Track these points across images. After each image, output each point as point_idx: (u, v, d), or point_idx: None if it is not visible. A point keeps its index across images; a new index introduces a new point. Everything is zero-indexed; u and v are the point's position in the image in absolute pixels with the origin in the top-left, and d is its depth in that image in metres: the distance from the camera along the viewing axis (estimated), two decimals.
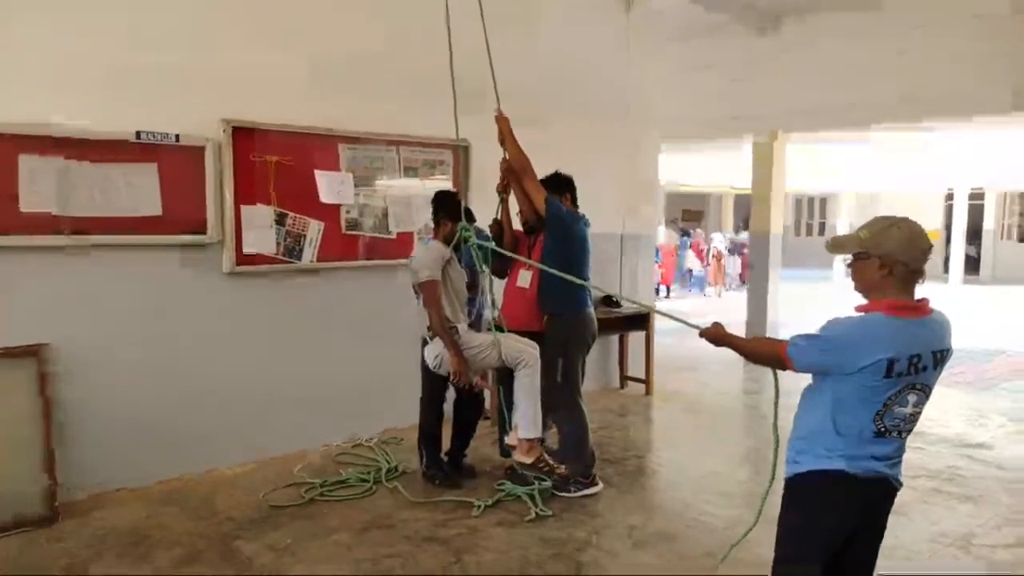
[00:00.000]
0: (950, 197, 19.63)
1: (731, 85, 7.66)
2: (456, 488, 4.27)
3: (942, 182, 18.40)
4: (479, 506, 4.02)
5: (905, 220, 2.15)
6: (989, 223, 20.07)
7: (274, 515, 3.96)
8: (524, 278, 4.34)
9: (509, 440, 4.17)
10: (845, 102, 7.28)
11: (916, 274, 2.10)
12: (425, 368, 4.32)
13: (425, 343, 4.16)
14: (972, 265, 19.64)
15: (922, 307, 2.11)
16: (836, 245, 2.25)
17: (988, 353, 9.07)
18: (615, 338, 6.89)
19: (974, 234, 19.69)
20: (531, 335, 4.20)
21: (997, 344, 9.69)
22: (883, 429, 2.09)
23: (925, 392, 2.11)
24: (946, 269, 18.93)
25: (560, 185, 4.31)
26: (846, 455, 2.11)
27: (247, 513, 3.98)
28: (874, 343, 2.03)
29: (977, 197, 19.35)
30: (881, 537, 2.30)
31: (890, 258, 2.07)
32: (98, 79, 3.98)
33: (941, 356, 2.11)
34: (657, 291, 15.04)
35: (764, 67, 7.33)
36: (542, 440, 4.09)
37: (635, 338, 6.83)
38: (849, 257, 2.19)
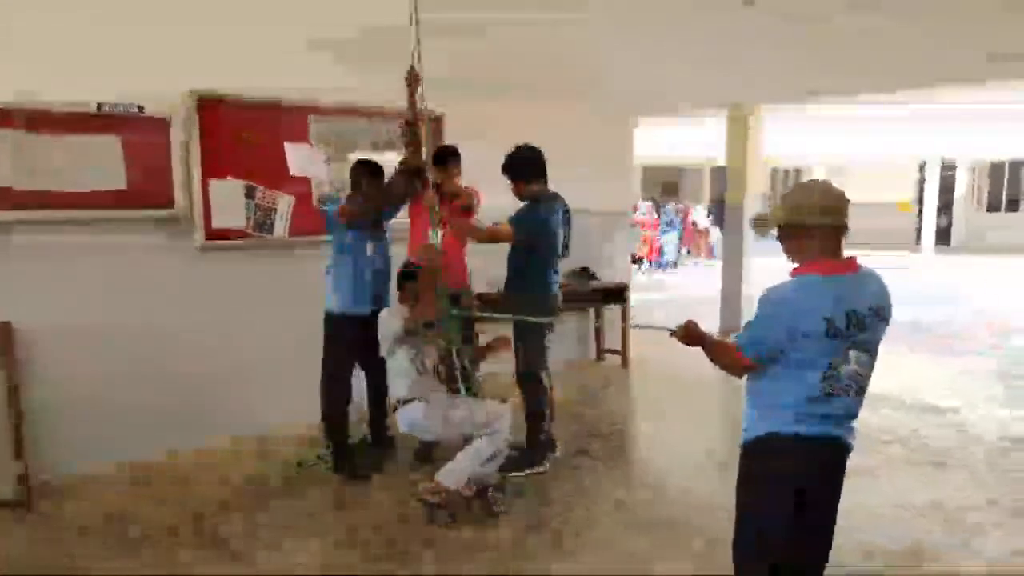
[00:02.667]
0: (922, 168, 19.83)
1: (705, 57, 7.60)
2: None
3: (914, 153, 18.55)
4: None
5: (814, 183, 2.24)
6: (960, 193, 20.33)
7: (252, 494, 3.93)
8: (436, 237, 4.11)
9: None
10: (823, 74, 7.27)
11: (839, 231, 2.15)
12: (328, 341, 4.13)
13: (393, 406, 3.83)
14: (943, 235, 19.92)
15: (850, 265, 2.17)
16: (760, 224, 2.31)
17: (958, 319, 9.22)
18: (591, 311, 6.90)
19: (946, 204, 19.94)
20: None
21: (967, 311, 9.85)
22: (831, 389, 2.12)
23: (868, 350, 2.15)
24: (918, 239, 19.18)
25: (528, 168, 4.14)
26: (797, 417, 2.15)
27: (224, 492, 3.95)
28: (809, 305, 2.07)
29: (949, 168, 19.57)
30: (838, 499, 2.34)
31: (811, 223, 2.13)
32: (58, 48, 3.84)
33: (877, 312, 2.15)
34: (639, 262, 15.08)
35: (739, 39, 7.28)
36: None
37: (611, 310, 6.85)
38: (776, 232, 2.24)
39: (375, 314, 3.87)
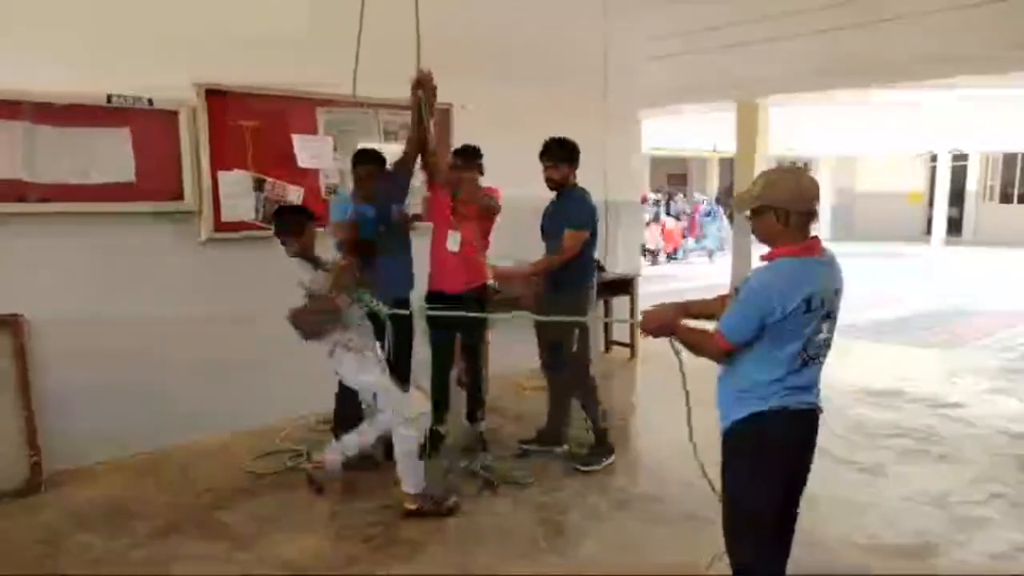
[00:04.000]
0: (934, 159, 19.69)
1: (712, 48, 7.58)
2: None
3: (925, 144, 18.41)
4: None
5: (791, 170, 2.37)
6: (972, 185, 20.16)
7: (255, 485, 3.97)
8: (454, 240, 4.16)
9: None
10: (834, 65, 7.23)
11: (810, 217, 2.23)
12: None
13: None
14: (954, 226, 19.78)
15: (816, 246, 2.26)
16: (738, 203, 2.40)
17: (963, 312, 9.19)
18: (599, 303, 6.90)
19: (957, 196, 19.79)
20: (460, 298, 4.14)
21: (973, 304, 9.80)
22: (807, 359, 2.22)
23: (834, 318, 2.27)
24: (929, 230, 19.06)
25: (572, 157, 4.10)
26: (780, 392, 2.22)
27: (227, 483, 3.99)
28: (791, 285, 2.16)
29: (960, 159, 19.41)
30: (811, 462, 2.40)
31: (784, 207, 2.20)
32: (69, 41, 3.88)
33: (837, 290, 2.27)
34: (650, 254, 15.10)
35: (746, 30, 7.25)
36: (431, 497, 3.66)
37: (619, 302, 6.85)
38: (749, 213, 2.31)
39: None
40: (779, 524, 2.33)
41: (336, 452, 3.72)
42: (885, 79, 7.40)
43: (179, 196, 4.34)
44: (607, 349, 7.02)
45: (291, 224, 3.54)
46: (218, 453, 4.38)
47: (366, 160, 4.03)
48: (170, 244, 4.37)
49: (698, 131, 15.80)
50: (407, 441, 3.54)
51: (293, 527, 3.50)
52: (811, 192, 2.24)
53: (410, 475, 3.57)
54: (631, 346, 6.80)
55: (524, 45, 5.64)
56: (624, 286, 6.67)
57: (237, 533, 3.45)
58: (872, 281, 11.48)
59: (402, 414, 3.54)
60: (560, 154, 4.07)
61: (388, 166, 4.11)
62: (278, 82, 4.60)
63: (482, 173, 4.23)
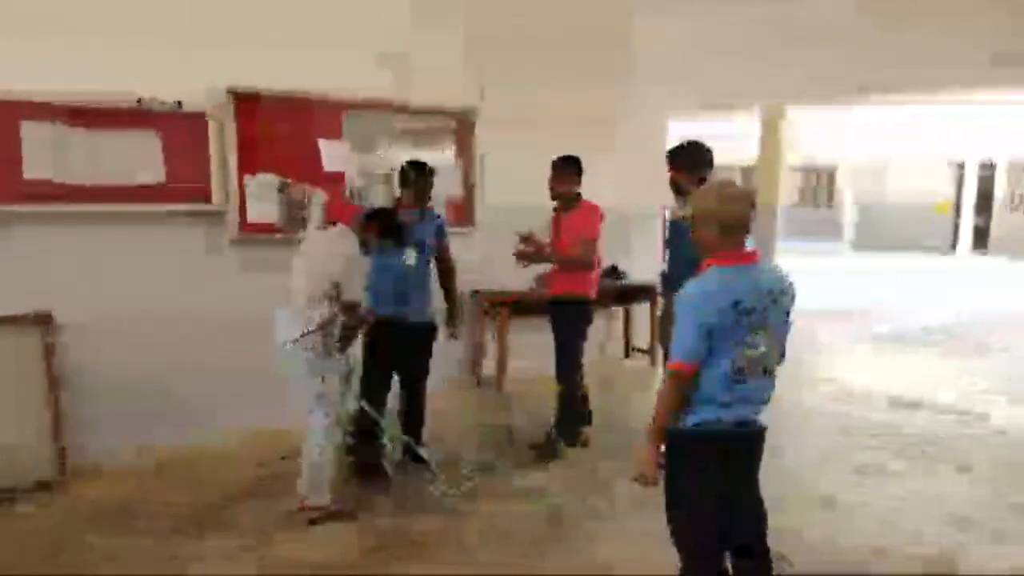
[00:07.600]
0: (961, 167, 19.42)
1: (736, 55, 7.55)
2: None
3: (952, 153, 18.20)
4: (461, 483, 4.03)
5: (716, 184, 2.45)
6: (999, 194, 19.85)
7: (264, 486, 3.98)
8: None
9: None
10: (843, 75, 7.19)
11: (738, 226, 2.29)
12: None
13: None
14: (981, 237, 19.47)
15: (751, 256, 2.32)
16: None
17: (974, 321, 9.13)
18: (619, 310, 6.89)
19: (983, 206, 19.48)
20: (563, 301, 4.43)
21: (986, 312, 9.73)
22: (741, 370, 2.24)
23: (772, 332, 2.27)
24: (955, 241, 18.79)
25: (680, 163, 4.01)
26: (714, 404, 2.25)
27: (239, 483, 4.01)
28: (718, 295, 2.21)
29: (987, 168, 19.13)
30: (757, 473, 2.44)
31: (709, 219, 2.29)
32: (99, 45, 3.95)
33: (775, 297, 2.27)
34: None
35: (768, 37, 7.21)
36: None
37: (640, 309, 6.83)
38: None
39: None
40: (715, 530, 2.35)
41: (317, 497, 3.58)
42: (908, 89, 7.34)
43: (207, 198, 4.40)
44: (627, 355, 7.00)
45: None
46: (234, 453, 4.40)
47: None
48: (197, 244, 4.42)
49: (720, 140, 15.70)
50: (324, 452, 3.54)
51: (299, 528, 3.50)
52: (739, 203, 2.30)
53: (319, 486, 3.55)
54: (651, 353, 6.77)
55: (547, 48, 5.64)
56: (645, 293, 6.64)
57: (244, 533, 3.46)
58: (894, 292, 11.44)
59: (329, 426, 3.55)
60: (670, 159, 4.08)
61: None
62: (304, 86, 4.65)
63: (579, 183, 4.35)
